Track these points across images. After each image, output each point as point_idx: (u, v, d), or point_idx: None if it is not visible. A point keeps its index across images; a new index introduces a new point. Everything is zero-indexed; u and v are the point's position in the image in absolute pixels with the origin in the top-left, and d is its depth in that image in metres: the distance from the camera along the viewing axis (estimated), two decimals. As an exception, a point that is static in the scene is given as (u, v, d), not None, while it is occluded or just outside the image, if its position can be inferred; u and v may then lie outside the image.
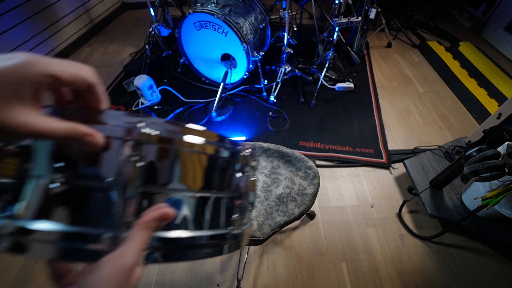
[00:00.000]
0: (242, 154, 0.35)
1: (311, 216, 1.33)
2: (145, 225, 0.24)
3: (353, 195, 1.43)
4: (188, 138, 0.28)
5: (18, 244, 0.22)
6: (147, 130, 0.25)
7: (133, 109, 1.82)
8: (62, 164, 0.24)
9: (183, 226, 0.28)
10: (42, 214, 0.23)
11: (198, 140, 0.29)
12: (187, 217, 0.29)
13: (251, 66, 1.76)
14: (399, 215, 1.34)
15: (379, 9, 1.93)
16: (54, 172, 0.24)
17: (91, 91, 0.26)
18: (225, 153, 0.32)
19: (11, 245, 0.22)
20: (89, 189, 0.25)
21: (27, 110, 0.21)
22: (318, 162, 1.58)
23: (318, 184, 0.90)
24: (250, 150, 0.36)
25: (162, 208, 0.25)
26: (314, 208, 1.37)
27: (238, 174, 0.35)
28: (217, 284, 1.12)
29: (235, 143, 0.34)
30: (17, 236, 0.22)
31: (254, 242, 0.75)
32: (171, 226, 0.27)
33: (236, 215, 0.34)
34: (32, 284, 1.10)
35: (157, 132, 0.26)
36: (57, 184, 0.24)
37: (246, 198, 0.36)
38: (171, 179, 0.28)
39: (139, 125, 0.25)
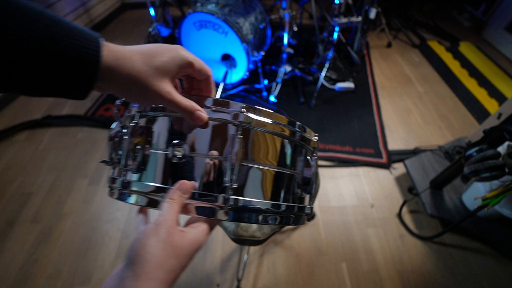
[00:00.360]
0: (311, 139, 0.42)
1: (311, 216, 1.33)
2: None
3: (353, 195, 1.43)
4: (271, 121, 0.36)
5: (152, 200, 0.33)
6: (250, 115, 0.33)
7: (133, 109, 1.82)
8: (178, 141, 0.33)
9: (258, 195, 0.35)
10: (166, 179, 0.33)
11: (279, 122, 0.36)
12: (263, 187, 0.35)
13: (251, 66, 1.76)
14: (399, 215, 1.34)
15: (379, 9, 1.93)
16: (173, 146, 0.33)
17: (207, 82, 0.35)
18: (297, 136, 0.39)
19: (147, 202, 0.33)
20: (201, 161, 0.33)
21: (170, 84, 0.30)
22: (318, 162, 1.58)
23: (318, 184, 0.90)
24: (317, 136, 0.44)
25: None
26: (314, 208, 1.37)
27: (309, 157, 0.41)
28: (217, 284, 1.12)
29: (303, 127, 0.40)
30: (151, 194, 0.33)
31: (254, 242, 0.75)
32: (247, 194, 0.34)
33: (302, 192, 0.40)
34: (32, 284, 1.10)
35: (256, 117, 0.34)
36: (178, 156, 0.33)
37: (315, 179, 0.41)
38: (259, 155, 0.35)
39: (243, 110, 0.33)
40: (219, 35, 1.63)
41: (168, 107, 0.31)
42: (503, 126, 0.86)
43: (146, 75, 0.28)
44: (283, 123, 0.37)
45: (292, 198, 0.39)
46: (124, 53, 0.27)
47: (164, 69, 0.29)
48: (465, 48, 2.49)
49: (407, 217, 1.34)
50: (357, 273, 1.16)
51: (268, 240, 0.77)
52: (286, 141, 0.38)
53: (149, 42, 1.83)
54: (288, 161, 0.38)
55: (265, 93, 1.92)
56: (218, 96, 1.70)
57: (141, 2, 2.97)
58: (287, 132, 0.37)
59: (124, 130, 0.36)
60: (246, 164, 0.34)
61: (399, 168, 1.55)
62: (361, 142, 1.68)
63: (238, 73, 1.85)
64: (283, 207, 0.37)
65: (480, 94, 2.02)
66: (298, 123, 0.39)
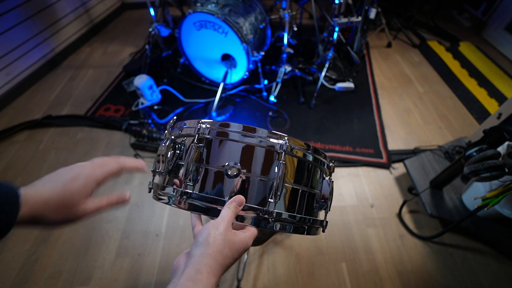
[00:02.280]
0: (329, 164, 0.52)
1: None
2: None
3: (353, 195, 1.43)
4: (296, 147, 0.44)
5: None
6: (289, 144, 0.42)
7: (133, 109, 1.82)
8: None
9: (280, 206, 0.43)
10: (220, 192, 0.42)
11: (300, 148, 0.45)
12: (290, 202, 0.44)
13: (251, 66, 1.76)
14: (399, 215, 1.34)
15: (379, 9, 1.92)
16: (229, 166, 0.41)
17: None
18: (310, 157, 0.46)
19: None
20: (253, 180, 0.42)
21: (88, 199, 0.39)
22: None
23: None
24: (333, 163, 0.53)
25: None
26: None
27: (327, 178, 0.50)
28: (217, 284, 1.12)
29: (320, 152, 0.48)
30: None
31: (254, 242, 0.75)
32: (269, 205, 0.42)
33: (316, 208, 0.49)
34: (32, 284, 1.10)
35: (292, 145, 0.43)
36: (232, 174, 0.41)
37: (329, 199, 0.48)
38: (288, 176, 0.44)
39: (284, 141, 0.42)
40: (219, 35, 1.63)
41: (96, 213, 0.40)
42: (503, 126, 0.86)
43: (66, 216, 0.37)
44: (309, 151, 0.46)
45: (311, 212, 0.47)
46: (41, 205, 0.34)
47: (78, 202, 0.37)
48: (465, 48, 2.49)
49: (407, 217, 1.34)
50: (357, 273, 1.16)
51: (267, 240, 0.77)
52: (310, 165, 0.46)
53: (149, 42, 1.81)
54: (309, 181, 0.47)
55: (265, 93, 1.92)
56: (217, 96, 1.70)
57: (141, 2, 2.97)
58: (310, 157, 0.46)
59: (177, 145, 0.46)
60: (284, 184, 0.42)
61: (399, 168, 1.55)
62: (361, 142, 1.68)
63: (238, 73, 1.85)
64: (307, 220, 0.46)
65: (480, 94, 2.02)
66: (320, 151, 0.48)
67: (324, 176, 0.51)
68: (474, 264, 1.18)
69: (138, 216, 1.33)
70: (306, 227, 0.46)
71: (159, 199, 0.45)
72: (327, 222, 0.50)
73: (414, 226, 1.31)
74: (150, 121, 1.69)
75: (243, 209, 0.40)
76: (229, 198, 0.40)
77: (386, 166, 1.56)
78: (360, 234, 1.28)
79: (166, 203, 0.44)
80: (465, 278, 1.14)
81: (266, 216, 0.40)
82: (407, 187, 1.44)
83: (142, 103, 1.83)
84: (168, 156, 0.44)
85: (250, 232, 0.40)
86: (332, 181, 0.50)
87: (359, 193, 1.44)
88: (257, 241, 0.75)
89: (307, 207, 0.46)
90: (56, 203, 0.35)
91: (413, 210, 1.37)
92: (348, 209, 1.37)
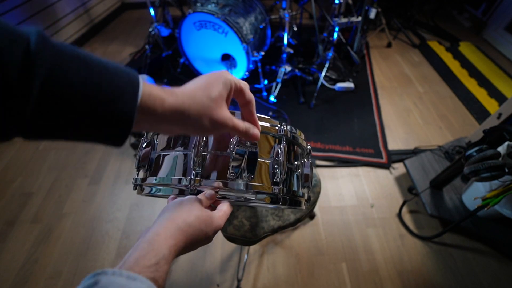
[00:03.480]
0: (309, 146, 0.56)
1: (311, 216, 1.33)
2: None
3: (353, 195, 1.43)
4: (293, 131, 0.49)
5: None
6: (288, 129, 0.47)
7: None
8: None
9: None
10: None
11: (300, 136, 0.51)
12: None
13: (251, 66, 1.76)
14: (399, 215, 1.34)
15: (379, 9, 1.92)
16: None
17: (249, 106, 0.37)
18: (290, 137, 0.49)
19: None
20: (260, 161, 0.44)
21: (226, 109, 0.33)
22: (318, 162, 1.58)
23: (319, 193, 0.90)
24: (310, 145, 0.57)
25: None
26: (314, 208, 1.37)
27: (307, 158, 0.55)
28: (217, 284, 1.12)
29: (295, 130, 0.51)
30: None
31: (245, 241, 0.74)
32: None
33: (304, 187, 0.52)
34: (32, 284, 1.10)
35: (289, 129, 0.47)
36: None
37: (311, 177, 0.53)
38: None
39: (283, 127, 0.46)
40: (219, 35, 1.63)
41: (229, 131, 0.34)
42: (503, 126, 0.86)
43: (210, 108, 0.31)
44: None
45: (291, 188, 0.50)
46: (186, 93, 0.30)
47: (221, 97, 0.32)
48: (465, 48, 2.49)
49: (407, 217, 1.34)
50: (357, 273, 1.16)
51: (262, 241, 0.76)
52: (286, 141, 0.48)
53: (149, 42, 1.81)
54: (292, 160, 0.50)
55: (265, 93, 1.92)
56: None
57: (141, 2, 2.97)
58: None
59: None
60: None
61: (399, 168, 1.55)
62: (361, 142, 1.68)
63: (238, 73, 1.85)
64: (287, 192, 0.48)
65: (480, 94, 2.02)
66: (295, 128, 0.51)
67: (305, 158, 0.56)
68: (474, 264, 1.18)
69: (138, 216, 1.33)
70: (288, 198, 0.47)
71: (142, 191, 0.47)
72: (309, 196, 0.54)
73: (414, 226, 1.31)
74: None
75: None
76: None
77: (386, 166, 1.56)
78: (360, 234, 1.28)
79: (148, 194, 0.45)
80: (465, 278, 1.14)
81: (275, 192, 0.43)
82: (407, 187, 1.44)
83: (142, 103, 1.82)
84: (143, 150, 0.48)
85: (223, 211, 0.40)
86: (311, 162, 0.54)
87: (359, 193, 1.44)
88: (248, 241, 0.74)
89: (292, 183, 0.49)
90: (201, 94, 0.30)
91: (413, 210, 1.37)
92: (348, 209, 1.37)
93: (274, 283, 1.13)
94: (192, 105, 0.29)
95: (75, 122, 0.23)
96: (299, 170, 0.51)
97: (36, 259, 1.17)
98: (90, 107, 0.23)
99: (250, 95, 0.37)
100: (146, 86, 0.26)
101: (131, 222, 1.30)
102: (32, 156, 1.57)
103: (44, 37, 0.21)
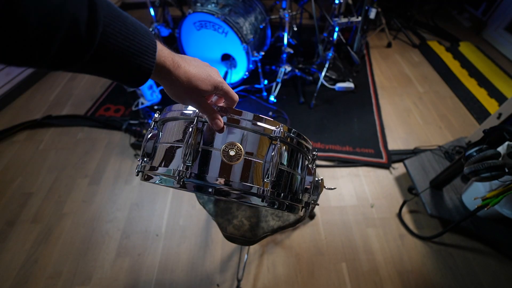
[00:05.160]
0: (314, 153, 0.59)
1: (311, 216, 1.33)
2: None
3: (353, 195, 1.43)
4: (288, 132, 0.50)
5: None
6: (286, 132, 0.48)
7: (133, 109, 1.82)
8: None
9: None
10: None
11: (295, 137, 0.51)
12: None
13: (251, 66, 1.76)
14: (399, 215, 1.34)
15: (379, 9, 1.92)
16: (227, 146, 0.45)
17: (228, 96, 0.46)
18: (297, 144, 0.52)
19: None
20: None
21: (207, 98, 0.45)
22: (318, 162, 1.58)
23: (318, 194, 0.90)
24: (316, 152, 0.60)
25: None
26: (314, 208, 1.37)
27: (311, 165, 0.58)
28: (217, 284, 1.12)
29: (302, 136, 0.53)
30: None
31: (245, 241, 0.74)
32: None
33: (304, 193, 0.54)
34: (32, 284, 1.10)
35: (287, 132, 0.49)
36: (232, 153, 0.45)
37: (315, 184, 0.56)
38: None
39: (280, 128, 0.48)
40: (219, 35, 1.63)
41: (199, 108, 0.42)
42: (503, 126, 0.86)
43: (202, 77, 0.40)
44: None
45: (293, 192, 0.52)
46: (184, 58, 0.40)
47: (211, 78, 0.41)
48: (465, 48, 2.49)
49: (407, 217, 1.34)
50: (357, 273, 1.16)
51: (262, 241, 0.76)
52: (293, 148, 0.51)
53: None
54: (293, 164, 0.51)
55: (265, 93, 1.92)
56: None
57: (141, 2, 2.97)
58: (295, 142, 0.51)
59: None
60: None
61: (399, 168, 1.55)
62: (361, 142, 1.68)
63: (238, 73, 1.85)
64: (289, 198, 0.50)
65: (480, 94, 2.02)
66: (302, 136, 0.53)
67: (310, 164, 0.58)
68: (474, 264, 1.18)
69: (138, 216, 1.33)
70: (287, 204, 0.49)
71: (148, 179, 0.49)
72: (309, 203, 0.56)
73: (414, 226, 1.31)
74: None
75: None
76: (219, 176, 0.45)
77: (386, 166, 1.56)
78: (360, 234, 1.28)
79: (156, 183, 0.48)
80: (465, 278, 1.14)
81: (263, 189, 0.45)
82: (407, 187, 1.44)
83: (142, 103, 1.83)
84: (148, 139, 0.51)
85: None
86: (315, 167, 0.57)
87: (359, 193, 1.44)
88: (248, 241, 0.74)
89: (290, 187, 0.50)
90: (198, 64, 0.41)
91: (413, 210, 1.37)
92: (348, 209, 1.37)
93: (274, 283, 1.13)
94: (185, 70, 0.39)
95: (113, 66, 0.32)
96: (299, 175, 0.52)
97: (36, 259, 1.17)
98: (126, 58, 0.32)
99: (233, 97, 0.46)
100: (160, 45, 0.36)
101: (131, 222, 1.30)
102: (32, 156, 1.57)
103: None
